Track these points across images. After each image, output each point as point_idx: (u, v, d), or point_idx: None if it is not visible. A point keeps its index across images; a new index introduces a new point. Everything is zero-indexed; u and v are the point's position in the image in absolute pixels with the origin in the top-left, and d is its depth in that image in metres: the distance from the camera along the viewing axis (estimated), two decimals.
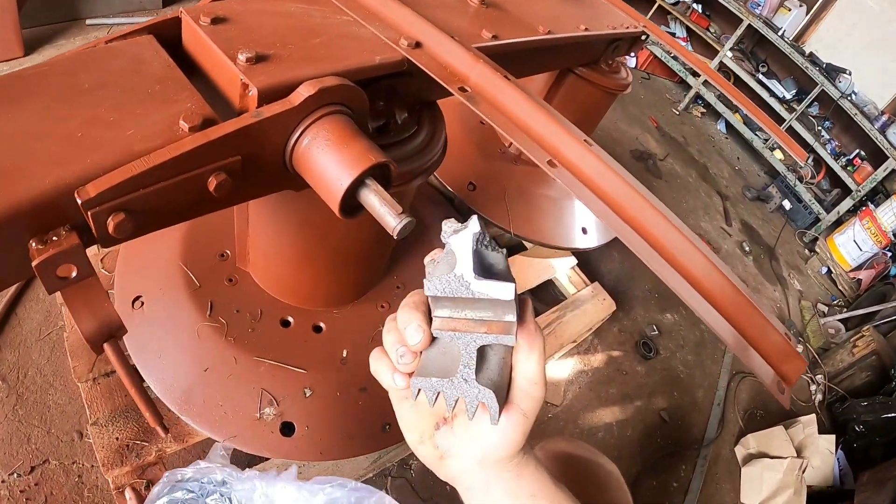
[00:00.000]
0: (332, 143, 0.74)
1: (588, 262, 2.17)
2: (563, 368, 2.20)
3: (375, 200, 0.71)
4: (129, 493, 1.20)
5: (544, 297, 2.19)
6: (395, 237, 0.69)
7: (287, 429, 1.30)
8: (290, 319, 1.39)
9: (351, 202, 0.74)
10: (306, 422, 1.31)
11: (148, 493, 1.36)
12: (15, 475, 1.60)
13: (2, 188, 0.58)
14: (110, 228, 0.63)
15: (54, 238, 0.62)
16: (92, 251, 1.65)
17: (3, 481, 1.61)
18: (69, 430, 1.63)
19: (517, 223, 1.83)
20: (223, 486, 1.13)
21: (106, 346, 0.73)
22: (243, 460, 1.48)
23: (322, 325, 1.41)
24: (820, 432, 2.43)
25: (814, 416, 2.48)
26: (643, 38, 1.90)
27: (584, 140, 0.85)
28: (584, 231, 1.99)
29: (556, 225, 1.93)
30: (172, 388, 1.31)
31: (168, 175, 0.65)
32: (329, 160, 0.73)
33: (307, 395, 1.32)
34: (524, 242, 2.01)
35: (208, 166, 0.69)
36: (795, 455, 2.32)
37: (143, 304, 1.40)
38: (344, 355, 1.37)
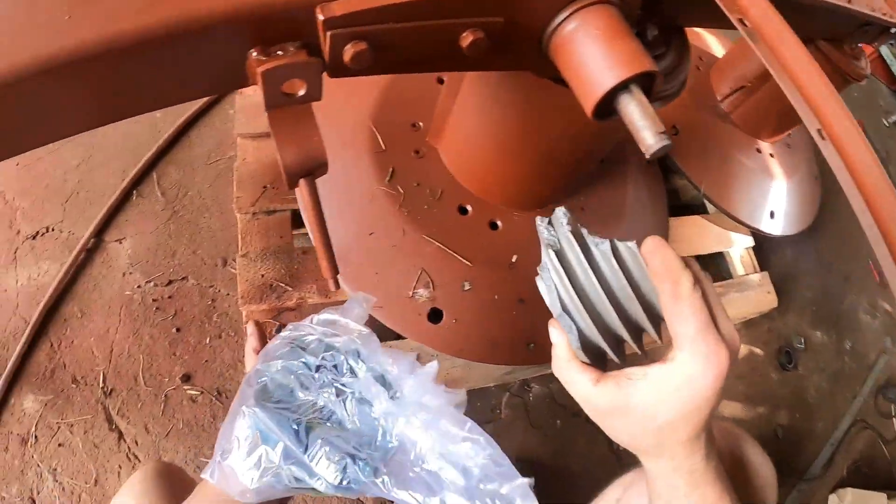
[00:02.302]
0: (601, 36, 0.62)
1: (760, 248, 2.01)
2: None
3: (636, 111, 0.60)
4: (250, 328, 1.10)
5: (709, 267, 2.03)
6: (647, 157, 0.59)
7: (435, 316, 1.24)
8: (469, 208, 1.32)
9: (604, 105, 0.63)
10: (456, 314, 1.25)
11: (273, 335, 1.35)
12: (152, 284, 1.65)
13: None
14: (346, 56, 0.55)
15: (279, 52, 0.55)
16: None
17: (139, 286, 1.66)
18: (214, 256, 1.65)
19: (708, 183, 1.68)
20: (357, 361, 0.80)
21: (302, 181, 0.67)
22: None
23: (499, 222, 1.33)
24: None
25: None
26: (892, 30, 1.69)
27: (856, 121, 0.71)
28: (772, 215, 1.82)
29: (747, 199, 1.77)
30: (331, 243, 1.28)
31: (425, 15, 0.57)
32: (595, 53, 0.62)
33: (465, 288, 1.25)
34: (707, 205, 1.86)
35: (468, 19, 0.60)
36: None
37: None
38: (513, 260, 1.29)
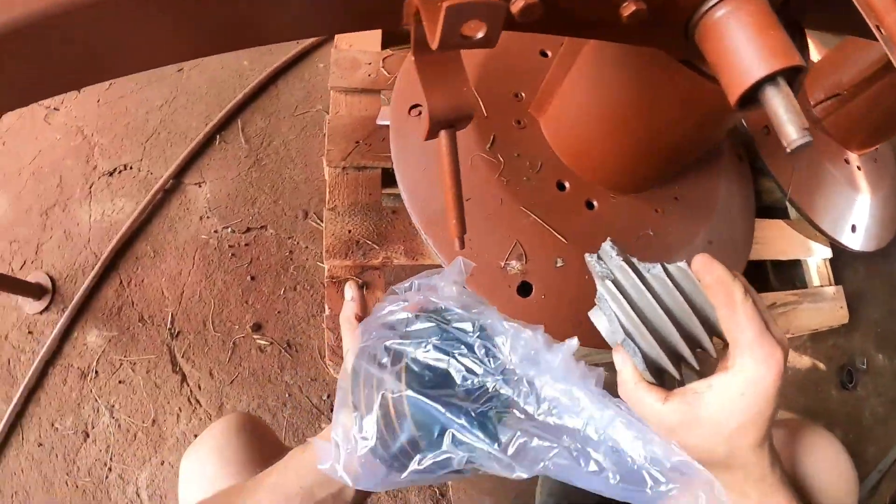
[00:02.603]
0: (754, 25, 0.62)
1: (836, 261, 1.97)
2: None
3: (781, 104, 0.59)
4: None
5: (783, 273, 2.02)
6: (788, 150, 0.58)
7: (524, 289, 1.22)
8: (567, 185, 1.29)
9: (749, 94, 0.62)
10: (545, 290, 1.23)
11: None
12: (229, 230, 1.64)
13: None
14: (515, 8, 0.54)
15: None
16: (373, 49, 1.60)
17: (215, 231, 1.65)
18: (295, 207, 1.64)
19: (795, 188, 1.64)
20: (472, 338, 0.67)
21: (443, 133, 0.66)
22: None
23: (595, 203, 1.30)
24: None
25: None
26: None
27: None
28: (854, 229, 1.77)
29: (831, 209, 1.72)
30: (426, 205, 1.26)
31: None
32: (746, 42, 0.61)
33: (557, 265, 1.23)
34: (790, 210, 1.82)
35: None
36: None
37: (420, 113, 1.34)
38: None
